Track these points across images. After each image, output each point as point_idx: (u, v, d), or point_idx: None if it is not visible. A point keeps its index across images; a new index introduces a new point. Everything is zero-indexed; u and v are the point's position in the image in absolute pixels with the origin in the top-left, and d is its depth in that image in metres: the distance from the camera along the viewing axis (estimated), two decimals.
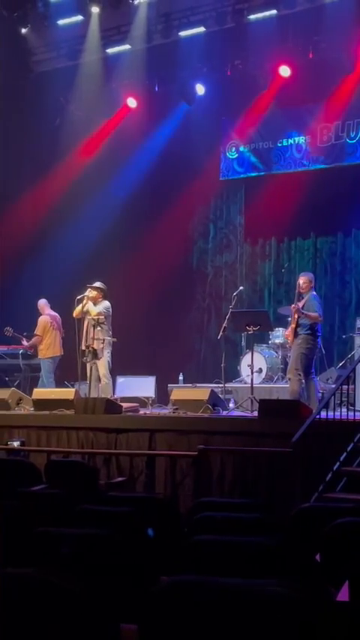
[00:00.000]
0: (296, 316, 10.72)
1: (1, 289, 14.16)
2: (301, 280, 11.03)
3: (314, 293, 10.91)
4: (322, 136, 14.76)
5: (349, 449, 7.79)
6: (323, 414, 8.14)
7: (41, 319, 12.99)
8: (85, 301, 11.51)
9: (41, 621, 2.57)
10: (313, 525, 4.23)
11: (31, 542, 3.69)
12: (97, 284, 11.80)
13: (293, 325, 10.84)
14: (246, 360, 12.64)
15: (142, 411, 11.02)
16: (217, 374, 12.14)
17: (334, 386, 9.40)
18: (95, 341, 11.37)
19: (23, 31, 15.00)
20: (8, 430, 10.11)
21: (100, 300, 11.66)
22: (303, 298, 10.86)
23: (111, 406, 9.99)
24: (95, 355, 11.43)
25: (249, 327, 11.36)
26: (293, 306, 10.89)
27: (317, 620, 2.49)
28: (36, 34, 15.19)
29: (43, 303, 13.23)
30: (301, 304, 10.79)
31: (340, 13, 13.07)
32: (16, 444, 9.67)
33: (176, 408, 10.21)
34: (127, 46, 15.10)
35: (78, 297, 11.57)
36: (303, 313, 10.65)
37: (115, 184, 15.95)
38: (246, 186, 15.95)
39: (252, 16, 13.83)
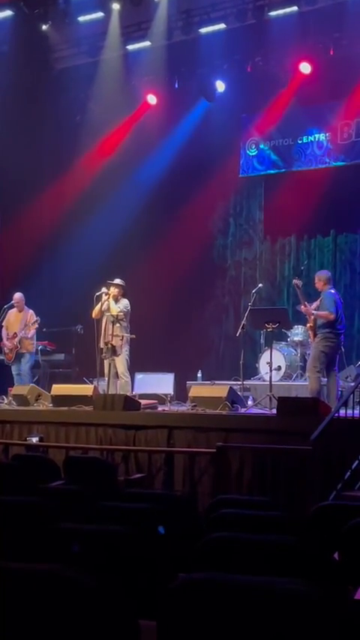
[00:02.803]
0: (312, 316, 10.76)
1: (19, 285, 14.18)
2: (315, 279, 11.11)
3: (331, 291, 10.86)
4: (343, 134, 14.71)
5: None
6: (342, 412, 8.11)
7: (32, 313, 12.96)
8: (104, 299, 11.51)
9: (60, 617, 2.58)
10: (332, 524, 4.22)
11: (49, 538, 3.70)
12: (117, 281, 11.79)
13: (310, 324, 10.88)
14: (265, 357, 12.62)
15: (160, 408, 11.03)
16: (236, 371, 12.14)
17: (353, 384, 9.37)
18: (114, 338, 11.38)
19: (44, 27, 15.03)
20: (27, 426, 10.15)
21: (120, 297, 11.67)
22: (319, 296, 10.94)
23: (129, 403, 10.00)
24: (114, 352, 11.45)
25: (268, 324, 11.34)
26: (302, 307, 10.94)
27: (335, 618, 2.48)
28: (57, 31, 15.21)
29: (22, 297, 13.07)
30: (316, 303, 10.84)
31: None
32: (34, 439, 9.70)
33: (195, 405, 10.21)
34: (147, 43, 15.10)
35: (97, 294, 11.56)
36: (312, 314, 10.69)
37: (135, 181, 15.97)
38: (266, 184, 15.92)
39: (273, 13, 13.80)
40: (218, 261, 16.45)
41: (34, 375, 13.28)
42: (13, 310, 13.01)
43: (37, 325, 12.80)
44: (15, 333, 12.84)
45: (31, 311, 12.95)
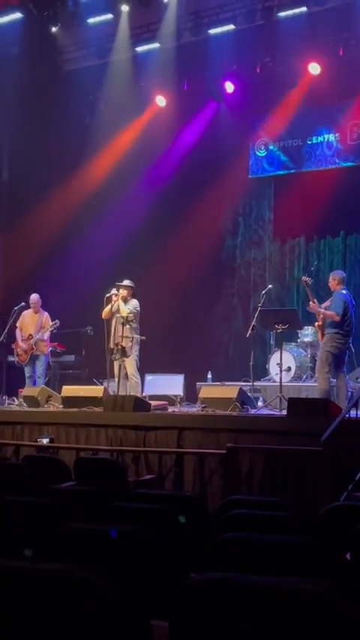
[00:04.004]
0: (320, 315, 10.77)
1: (29, 287, 14.20)
2: (330, 278, 11.12)
3: (342, 291, 10.87)
4: (352, 134, 14.71)
5: None
6: (353, 412, 8.09)
7: (48, 315, 12.96)
8: (114, 300, 11.52)
9: (72, 617, 2.58)
10: (343, 524, 4.21)
11: (61, 539, 3.70)
12: (126, 282, 11.81)
13: (319, 323, 10.88)
14: (275, 358, 12.63)
15: (170, 409, 11.03)
16: (246, 372, 12.13)
17: None
18: (124, 339, 11.40)
19: (53, 29, 15.09)
20: (38, 427, 10.16)
21: (129, 298, 11.68)
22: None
23: (140, 404, 10.00)
24: (124, 353, 11.46)
25: (278, 325, 11.33)
26: (311, 305, 10.95)
27: (348, 619, 2.48)
28: (66, 32, 15.27)
29: (39, 298, 13.04)
30: (326, 303, 10.85)
31: None
32: (45, 440, 9.71)
33: (205, 406, 10.20)
34: (156, 45, 15.15)
35: (107, 296, 11.58)
36: (320, 312, 10.70)
37: (144, 182, 15.99)
38: (275, 184, 15.92)
39: (282, 14, 13.82)
40: (227, 261, 16.45)
41: (45, 376, 13.29)
42: (29, 311, 12.96)
43: (55, 328, 12.78)
44: (30, 334, 12.79)
45: (46, 313, 12.91)
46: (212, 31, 14.60)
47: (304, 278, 11.41)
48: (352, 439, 7.76)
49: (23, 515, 4.34)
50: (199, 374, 13.59)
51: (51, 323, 12.71)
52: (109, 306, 11.53)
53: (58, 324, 12.76)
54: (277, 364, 11.62)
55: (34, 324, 12.82)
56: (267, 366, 13.45)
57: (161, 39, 14.95)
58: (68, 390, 11.15)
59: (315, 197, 14.73)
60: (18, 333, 12.90)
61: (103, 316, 11.57)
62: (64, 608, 2.58)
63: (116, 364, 11.52)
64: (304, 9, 13.63)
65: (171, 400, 11.82)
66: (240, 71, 15.05)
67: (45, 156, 15.53)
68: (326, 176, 14.92)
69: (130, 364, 11.57)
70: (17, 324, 12.91)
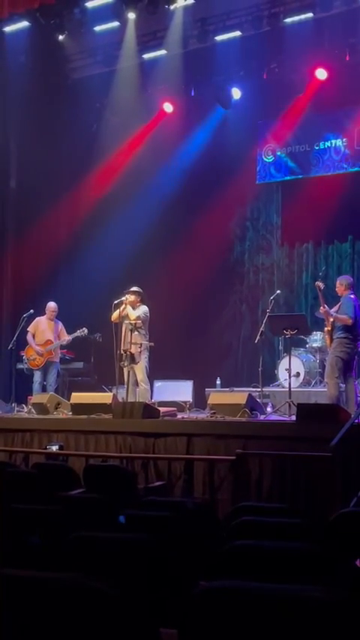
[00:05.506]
0: (330, 319, 10.74)
1: (37, 294, 14.23)
2: (337, 283, 11.11)
3: (350, 296, 10.86)
4: None
5: None
6: None
7: (62, 325, 13.06)
8: (123, 305, 11.54)
9: (81, 627, 2.58)
10: (353, 530, 4.20)
11: (70, 547, 3.70)
12: (135, 288, 11.82)
13: (328, 328, 10.86)
14: (283, 364, 12.60)
15: (179, 416, 11.01)
16: (255, 378, 12.11)
17: None
18: (133, 345, 11.40)
19: (60, 38, 15.09)
20: (47, 434, 10.16)
21: (138, 304, 11.69)
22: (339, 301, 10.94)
23: (149, 410, 9.99)
24: (133, 360, 11.46)
25: (286, 331, 11.31)
26: (321, 309, 10.93)
27: (357, 626, 2.47)
28: (73, 40, 15.28)
29: (57, 307, 13.17)
30: (335, 308, 10.83)
31: None
32: (54, 448, 9.71)
33: (214, 412, 10.18)
34: (163, 52, 15.16)
35: (115, 302, 11.60)
36: (332, 316, 10.68)
37: (152, 188, 16.01)
38: (283, 190, 15.91)
39: (288, 20, 13.82)
40: (236, 267, 16.44)
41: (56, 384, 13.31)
42: (43, 318, 13.04)
43: (84, 334, 12.91)
44: (50, 340, 12.87)
45: (60, 322, 13.04)
46: (219, 38, 14.60)
47: (317, 283, 11.38)
48: None
49: (32, 523, 4.34)
50: (207, 380, 13.57)
51: (70, 335, 12.90)
52: (117, 311, 11.55)
53: (86, 332, 12.90)
54: (286, 370, 11.59)
55: (51, 330, 12.93)
56: (276, 371, 13.43)
57: (168, 46, 14.96)
58: (77, 397, 11.14)
59: (323, 202, 14.72)
60: (31, 338, 12.95)
61: (112, 319, 11.58)
62: (72, 617, 2.58)
63: (125, 371, 11.52)
64: (310, 15, 13.62)
65: (180, 406, 11.81)
66: (247, 77, 15.05)
67: (53, 164, 15.55)
68: (334, 181, 14.91)
69: (140, 370, 11.57)
70: (29, 329, 12.96)
